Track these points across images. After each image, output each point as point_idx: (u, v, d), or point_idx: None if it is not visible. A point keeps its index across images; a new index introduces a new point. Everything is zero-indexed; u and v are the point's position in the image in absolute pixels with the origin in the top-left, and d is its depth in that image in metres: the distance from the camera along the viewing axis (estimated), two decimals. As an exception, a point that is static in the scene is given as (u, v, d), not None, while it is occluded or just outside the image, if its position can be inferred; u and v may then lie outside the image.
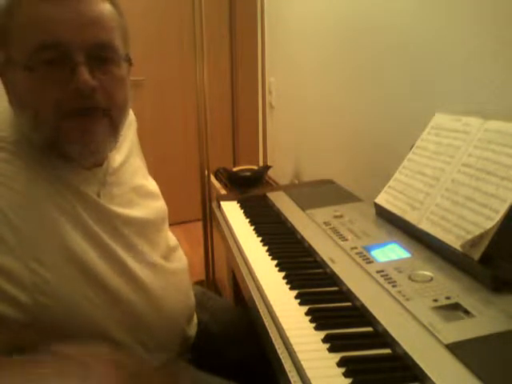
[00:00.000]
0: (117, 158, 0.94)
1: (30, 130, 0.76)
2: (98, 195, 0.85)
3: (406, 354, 0.69)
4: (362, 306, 0.83)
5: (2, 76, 0.77)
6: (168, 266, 0.98)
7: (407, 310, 0.79)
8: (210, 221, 2.37)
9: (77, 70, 0.72)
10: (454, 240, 0.91)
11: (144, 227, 0.94)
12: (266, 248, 1.16)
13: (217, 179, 2.29)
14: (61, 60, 0.72)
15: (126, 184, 0.94)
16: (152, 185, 1.06)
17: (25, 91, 0.73)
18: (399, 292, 0.84)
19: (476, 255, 0.85)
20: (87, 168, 0.85)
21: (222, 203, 1.54)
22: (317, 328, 0.80)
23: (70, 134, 0.75)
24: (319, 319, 0.82)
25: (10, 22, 0.72)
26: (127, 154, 0.99)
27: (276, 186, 2.08)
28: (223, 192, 2.05)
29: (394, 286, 0.86)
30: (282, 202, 1.45)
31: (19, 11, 0.72)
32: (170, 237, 1.06)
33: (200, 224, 2.45)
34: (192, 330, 1.06)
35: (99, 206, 0.84)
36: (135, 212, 0.93)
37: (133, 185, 0.96)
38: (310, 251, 1.11)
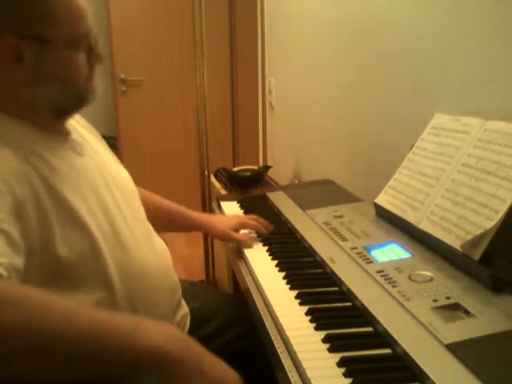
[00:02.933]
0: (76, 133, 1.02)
1: (59, 92, 0.89)
2: (81, 154, 0.96)
3: (406, 353, 0.69)
4: (362, 305, 0.83)
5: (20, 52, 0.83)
6: (152, 233, 1.05)
7: (407, 310, 0.79)
8: (210, 221, 2.36)
9: (94, 52, 0.92)
10: (453, 240, 0.91)
11: (128, 193, 1.02)
12: (266, 248, 1.16)
13: (217, 179, 2.29)
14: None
15: (100, 153, 1.04)
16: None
17: (63, 65, 0.87)
18: (399, 292, 0.84)
19: (476, 255, 0.85)
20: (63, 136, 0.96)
21: (222, 203, 1.54)
22: (317, 328, 0.80)
23: (92, 90, 0.94)
24: (319, 319, 0.82)
25: (48, 9, 0.84)
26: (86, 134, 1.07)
27: (276, 186, 2.07)
28: (223, 192, 2.05)
29: (394, 286, 0.86)
30: (282, 202, 1.45)
31: (59, 4, 0.85)
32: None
33: (200, 224, 2.45)
34: (181, 314, 1.08)
35: (84, 166, 0.94)
36: (118, 173, 1.03)
37: (106, 155, 1.06)
38: (310, 251, 1.11)
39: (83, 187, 0.90)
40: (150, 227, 1.07)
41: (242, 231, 1.26)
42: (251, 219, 1.26)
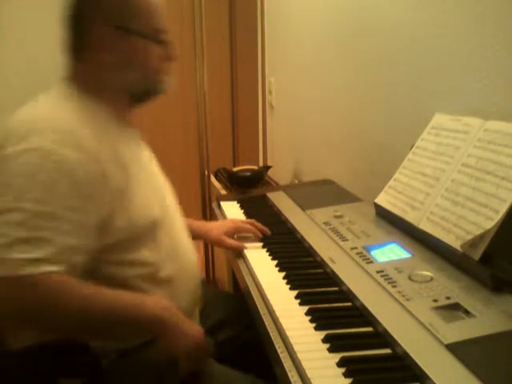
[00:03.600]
0: None
1: (137, 79, 1.00)
2: (141, 148, 1.08)
3: (406, 354, 0.69)
4: (362, 305, 0.83)
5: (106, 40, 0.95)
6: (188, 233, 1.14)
7: (407, 310, 0.79)
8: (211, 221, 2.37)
9: (167, 48, 1.03)
10: (453, 240, 0.91)
11: (170, 195, 1.12)
12: (266, 248, 1.16)
13: (217, 179, 2.29)
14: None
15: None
16: None
17: (141, 55, 0.98)
18: (399, 292, 0.84)
19: (476, 255, 0.85)
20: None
21: (222, 203, 1.54)
22: (317, 328, 0.80)
23: (163, 82, 1.04)
24: (319, 319, 0.82)
25: (133, 4, 0.97)
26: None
27: (276, 186, 2.07)
28: (223, 192, 2.05)
29: (394, 286, 0.86)
30: (282, 202, 1.45)
31: (142, 1, 0.99)
32: None
33: (200, 224, 2.45)
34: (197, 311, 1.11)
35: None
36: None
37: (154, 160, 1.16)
38: (310, 251, 1.11)
39: (143, 175, 1.01)
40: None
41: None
42: (247, 223, 1.27)
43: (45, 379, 0.87)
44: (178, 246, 1.05)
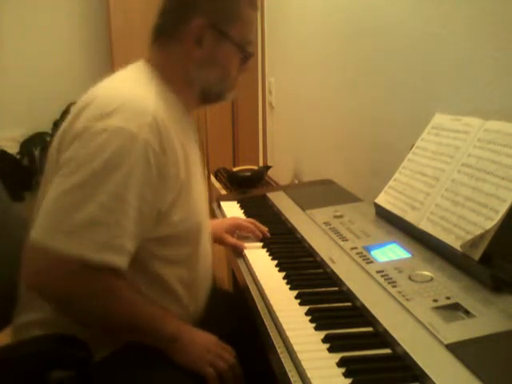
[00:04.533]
0: None
1: (215, 80, 1.02)
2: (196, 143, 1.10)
3: (406, 353, 0.69)
4: (362, 305, 0.83)
5: (201, 36, 0.96)
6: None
7: (407, 310, 0.79)
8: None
9: (247, 61, 1.04)
10: (453, 240, 0.91)
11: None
12: (266, 248, 1.16)
13: (217, 179, 2.29)
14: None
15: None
16: None
17: (227, 59, 1.01)
18: (399, 292, 0.84)
19: (476, 255, 0.85)
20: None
21: (222, 203, 1.54)
22: (317, 328, 0.80)
23: (233, 90, 1.07)
24: (319, 319, 0.82)
25: (236, 10, 0.98)
26: None
27: (276, 186, 2.07)
28: (223, 192, 2.05)
29: (394, 286, 0.86)
30: (282, 202, 1.45)
31: (245, 10, 1.00)
32: None
33: (200, 224, 2.44)
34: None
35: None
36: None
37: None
38: (310, 251, 1.11)
39: (198, 173, 1.03)
40: None
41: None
42: (247, 222, 1.27)
43: (35, 371, 0.85)
44: (207, 250, 1.06)
